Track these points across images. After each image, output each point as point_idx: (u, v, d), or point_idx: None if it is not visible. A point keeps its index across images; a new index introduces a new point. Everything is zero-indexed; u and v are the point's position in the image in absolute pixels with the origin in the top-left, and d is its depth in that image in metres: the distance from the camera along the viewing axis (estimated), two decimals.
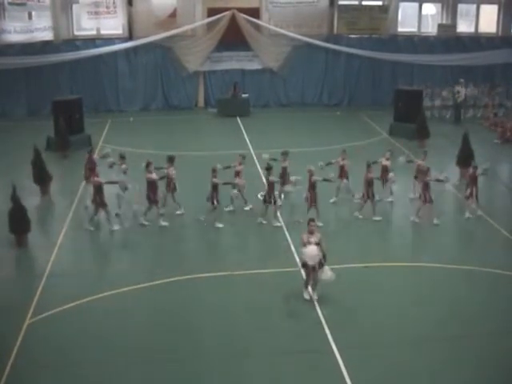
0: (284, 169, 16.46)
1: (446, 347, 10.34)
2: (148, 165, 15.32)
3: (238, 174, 16.01)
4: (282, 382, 9.58)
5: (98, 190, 14.99)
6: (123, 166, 16.03)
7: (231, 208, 16.15)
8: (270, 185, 15.24)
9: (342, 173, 16.65)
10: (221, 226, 15.18)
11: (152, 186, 15.21)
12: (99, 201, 15.03)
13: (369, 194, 15.60)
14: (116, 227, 15.22)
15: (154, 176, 15.26)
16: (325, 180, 14.97)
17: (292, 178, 15.33)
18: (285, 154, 16.69)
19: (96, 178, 15.08)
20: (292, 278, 12.59)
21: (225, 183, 15.32)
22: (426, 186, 15.26)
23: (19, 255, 14.03)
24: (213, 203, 15.15)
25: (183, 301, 11.92)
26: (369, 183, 15.52)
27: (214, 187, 15.06)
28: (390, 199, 16.80)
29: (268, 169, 15.39)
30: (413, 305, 11.76)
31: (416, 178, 16.56)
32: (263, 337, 10.66)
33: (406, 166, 16.89)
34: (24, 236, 14.32)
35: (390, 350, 10.28)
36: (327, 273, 11.51)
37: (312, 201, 15.02)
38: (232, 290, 12.34)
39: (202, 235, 15.07)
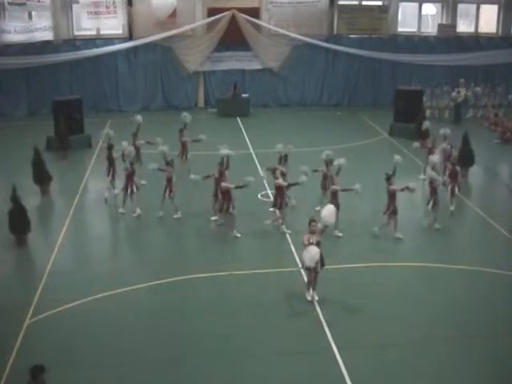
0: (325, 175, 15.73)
1: (445, 347, 10.34)
2: (274, 170, 14.97)
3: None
4: (282, 382, 9.58)
5: (226, 195, 14.41)
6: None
7: (179, 215, 15.74)
8: (225, 193, 14.48)
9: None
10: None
11: (280, 191, 14.72)
12: (226, 207, 14.41)
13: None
14: (238, 234, 14.61)
15: (281, 181, 14.73)
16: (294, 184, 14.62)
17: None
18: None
19: (224, 184, 14.41)
20: (292, 278, 12.59)
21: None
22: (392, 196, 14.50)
23: (19, 255, 14.03)
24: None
25: (183, 301, 11.91)
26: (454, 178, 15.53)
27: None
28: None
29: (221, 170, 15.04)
30: (413, 305, 11.76)
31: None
32: (263, 337, 10.65)
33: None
34: (24, 236, 14.31)
35: (390, 350, 10.28)
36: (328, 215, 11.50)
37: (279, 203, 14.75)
38: (232, 290, 12.34)
39: (201, 235, 15.07)
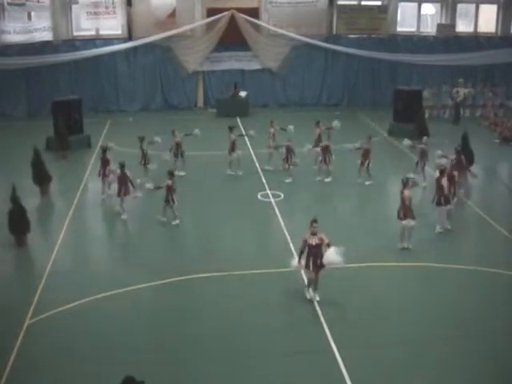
0: None
1: (445, 347, 10.34)
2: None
3: None
4: (282, 382, 9.58)
5: (406, 203, 13.72)
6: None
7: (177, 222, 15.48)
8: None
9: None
10: None
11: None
12: (404, 214, 13.75)
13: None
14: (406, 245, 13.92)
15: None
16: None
17: None
18: None
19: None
20: (292, 278, 12.58)
21: None
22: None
23: (19, 255, 14.03)
24: None
25: (183, 301, 11.91)
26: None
27: None
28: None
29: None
30: (413, 305, 11.76)
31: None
32: (263, 337, 10.65)
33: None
34: (24, 236, 14.30)
35: (390, 349, 10.28)
36: (333, 256, 11.31)
37: None
38: (231, 290, 12.33)
39: (201, 235, 15.08)
